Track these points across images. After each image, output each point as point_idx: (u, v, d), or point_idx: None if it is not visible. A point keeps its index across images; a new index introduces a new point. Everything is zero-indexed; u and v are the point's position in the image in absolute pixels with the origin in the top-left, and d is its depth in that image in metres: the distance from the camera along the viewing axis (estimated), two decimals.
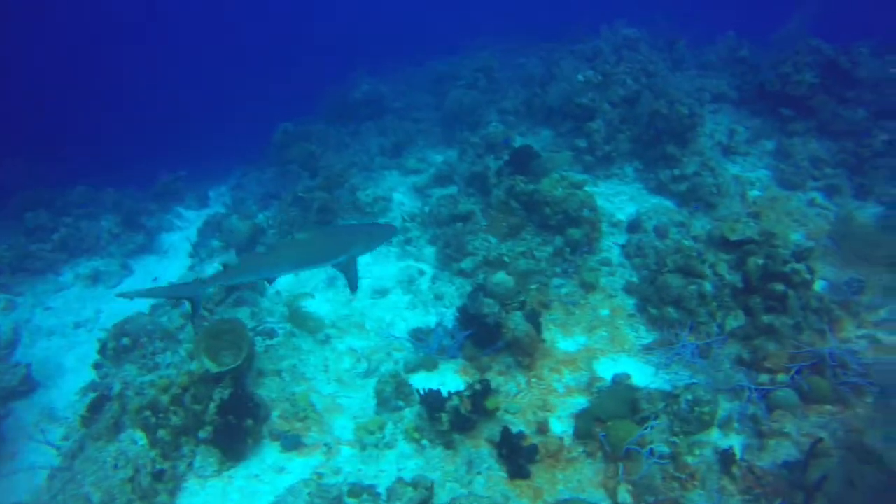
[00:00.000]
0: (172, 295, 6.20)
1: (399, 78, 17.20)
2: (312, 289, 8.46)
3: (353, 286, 5.33)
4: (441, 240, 8.41)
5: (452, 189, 10.22)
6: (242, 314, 7.81)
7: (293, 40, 29.59)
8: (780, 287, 5.90)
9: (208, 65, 26.06)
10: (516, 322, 6.03)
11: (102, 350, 6.85)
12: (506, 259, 7.44)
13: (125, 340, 6.79)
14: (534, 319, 6.21)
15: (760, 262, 6.05)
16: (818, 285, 6.98)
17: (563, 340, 6.53)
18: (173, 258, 11.20)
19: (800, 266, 5.89)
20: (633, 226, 8.47)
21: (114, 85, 23.57)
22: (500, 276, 6.29)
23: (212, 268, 9.36)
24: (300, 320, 7.11)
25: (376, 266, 8.72)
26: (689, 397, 4.90)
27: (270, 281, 5.32)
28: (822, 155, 9.13)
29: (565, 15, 19.31)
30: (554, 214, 7.90)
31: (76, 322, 8.55)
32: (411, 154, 12.49)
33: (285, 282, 8.67)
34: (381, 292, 8.02)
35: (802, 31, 11.01)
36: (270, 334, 7.00)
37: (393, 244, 9.00)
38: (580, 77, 10.41)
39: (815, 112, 9.56)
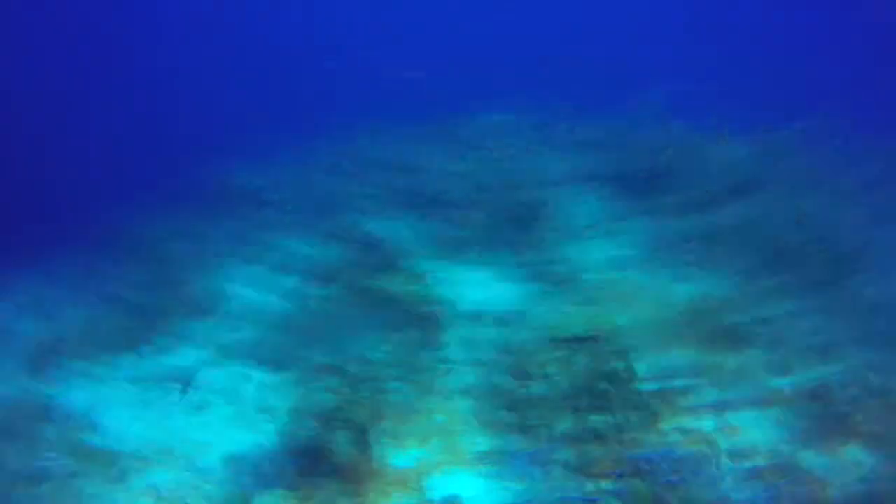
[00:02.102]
0: None
1: (267, 164, 16.50)
2: (119, 404, 7.29)
3: None
4: None
5: (296, 279, 9.64)
6: (11, 451, 6.44)
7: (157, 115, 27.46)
8: (603, 386, 6.00)
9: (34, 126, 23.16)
10: (339, 445, 5.50)
11: None
12: (336, 364, 6.95)
13: None
14: (361, 438, 5.73)
15: (585, 360, 6.15)
16: (642, 370, 7.32)
17: (396, 455, 6.06)
18: None
19: (619, 364, 6.06)
20: (476, 316, 8.42)
21: None
22: (320, 396, 5.76)
23: None
24: (84, 456, 5.96)
25: (198, 371, 7.78)
26: None
27: None
28: (669, 237, 9.89)
29: (446, 99, 20.02)
30: (396, 311, 7.63)
31: None
32: (266, 243, 11.72)
33: (83, 400, 7.41)
34: (200, 406, 7.08)
35: (659, 112, 12.18)
36: (39, 479, 5.75)
37: (211, 347, 8.17)
38: (444, 166, 10.58)
39: (670, 192, 10.41)
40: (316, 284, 8.75)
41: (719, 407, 6.60)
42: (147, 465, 6.16)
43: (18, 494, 5.48)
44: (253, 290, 9.76)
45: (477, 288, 9.41)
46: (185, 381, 7.34)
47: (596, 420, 5.85)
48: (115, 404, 7.24)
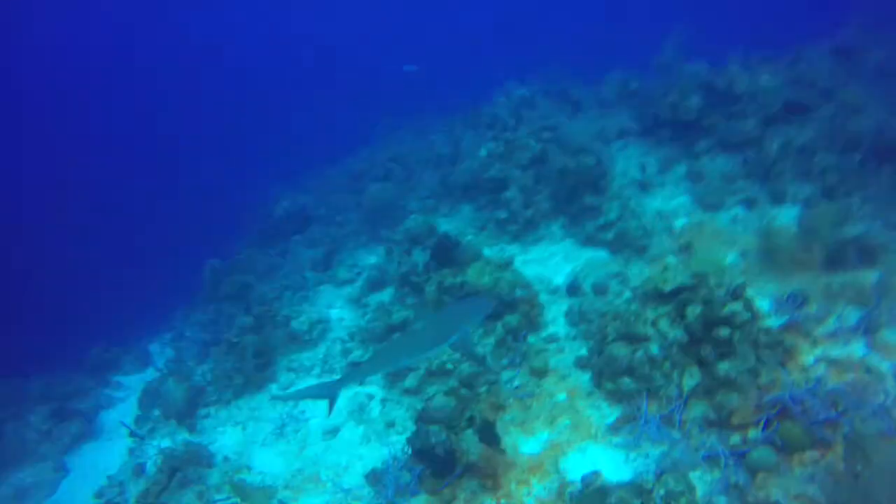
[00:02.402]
0: (313, 395, 6.44)
1: (317, 183, 17.12)
2: (262, 441, 7.85)
3: (476, 360, 5.96)
4: None
5: (389, 292, 9.88)
6: (188, 497, 7.13)
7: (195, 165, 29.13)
8: (725, 332, 5.65)
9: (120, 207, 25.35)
10: (468, 444, 5.56)
11: None
12: (448, 366, 7.04)
13: None
14: (488, 432, 5.76)
15: (699, 310, 5.82)
16: (765, 305, 6.82)
17: (526, 442, 6.06)
18: (116, 439, 10.32)
19: (736, 306, 5.67)
20: (572, 288, 8.25)
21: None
22: (439, 401, 5.85)
23: (153, 447, 8.57)
24: (246, 494, 6.45)
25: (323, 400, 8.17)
26: (662, 492, 4.47)
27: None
28: (730, 170, 9.22)
29: (462, 83, 19.96)
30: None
31: None
32: (343, 262, 12.16)
33: (232, 444, 8.03)
34: (333, 431, 7.46)
35: (678, 56, 11.41)
36: None
37: (328, 373, 8.57)
38: (483, 152, 10.44)
39: (712, 130, 9.75)
40: (407, 292, 8.92)
41: (868, 327, 5.99)
42: (300, 494, 6.59)
43: None
44: (349, 310, 10.13)
45: (563, 262, 9.19)
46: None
47: (725, 368, 5.50)
48: (259, 443, 7.80)
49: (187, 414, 8.95)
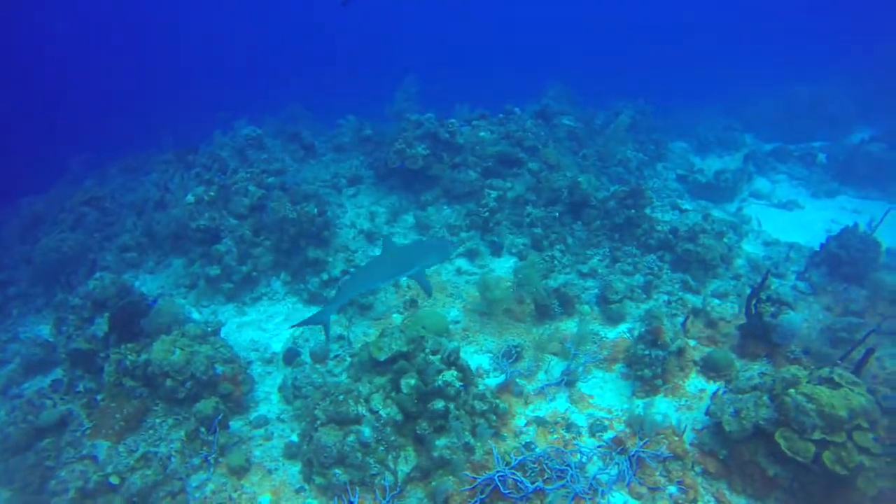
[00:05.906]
0: (309, 323, 6.59)
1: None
2: None
3: (428, 292, 6.82)
4: (17, 478, 5.73)
5: (56, 376, 7.48)
6: None
7: None
8: (440, 404, 5.16)
9: None
10: None
11: None
12: (112, 480, 5.26)
13: None
14: None
15: (413, 381, 5.25)
16: (485, 362, 6.67)
17: None
18: None
19: (450, 375, 5.25)
20: (290, 356, 7.16)
21: None
22: None
23: None
24: None
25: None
26: None
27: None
28: (453, 221, 9.29)
29: (187, 119, 17.74)
30: (180, 385, 6.09)
31: None
32: (17, 334, 9.11)
33: None
34: None
35: (408, 105, 11.49)
36: None
37: None
38: (190, 198, 8.83)
39: (437, 180, 9.81)
40: (80, 375, 6.79)
41: (567, 380, 6.14)
42: None
43: None
44: None
45: (285, 324, 8.02)
46: None
47: (442, 445, 4.99)
48: None
49: None
